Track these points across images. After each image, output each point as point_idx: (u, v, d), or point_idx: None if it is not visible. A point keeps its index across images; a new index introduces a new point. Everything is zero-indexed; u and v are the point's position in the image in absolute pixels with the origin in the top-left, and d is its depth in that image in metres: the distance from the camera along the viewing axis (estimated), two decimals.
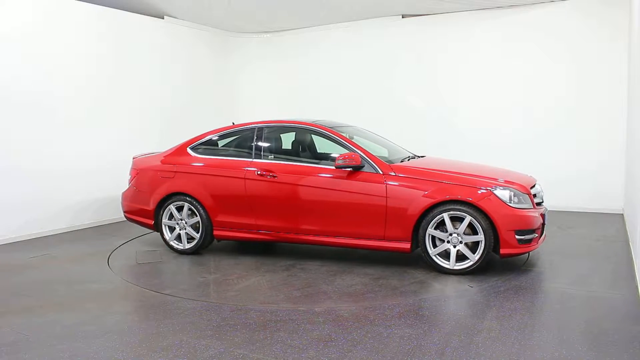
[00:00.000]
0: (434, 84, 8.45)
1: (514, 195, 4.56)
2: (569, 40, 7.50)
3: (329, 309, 3.84)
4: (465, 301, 4.03)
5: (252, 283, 4.60)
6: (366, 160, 4.91)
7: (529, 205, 4.64)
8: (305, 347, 3.17)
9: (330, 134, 5.23)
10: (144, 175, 5.86)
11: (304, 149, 5.60)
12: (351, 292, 4.25)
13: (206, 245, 5.62)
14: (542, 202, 5.00)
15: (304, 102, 9.51)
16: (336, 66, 9.23)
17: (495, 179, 4.70)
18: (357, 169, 4.89)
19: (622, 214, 7.15)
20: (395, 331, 3.40)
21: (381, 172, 4.82)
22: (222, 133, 5.73)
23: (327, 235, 5.04)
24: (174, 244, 5.67)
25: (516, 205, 4.53)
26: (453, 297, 4.15)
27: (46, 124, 6.68)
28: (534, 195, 4.80)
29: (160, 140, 8.14)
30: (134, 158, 6.18)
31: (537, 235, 4.62)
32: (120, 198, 6.13)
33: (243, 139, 5.61)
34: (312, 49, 9.49)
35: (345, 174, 4.92)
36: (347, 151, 5.01)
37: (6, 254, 5.74)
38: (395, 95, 8.73)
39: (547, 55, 7.64)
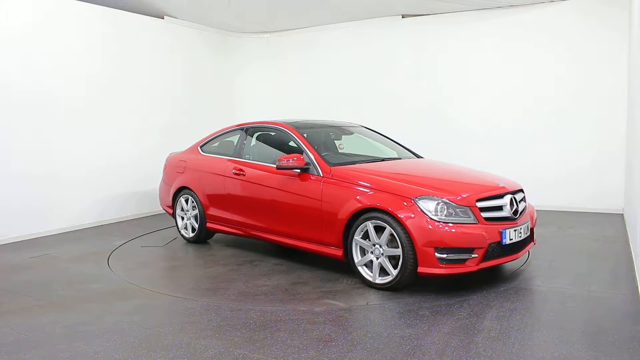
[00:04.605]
0: (434, 84, 8.45)
1: (444, 207, 4.03)
2: (569, 40, 7.49)
3: (329, 309, 3.84)
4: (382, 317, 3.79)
5: (191, 273, 5.02)
6: (312, 162, 4.81)
7: (468, 219, 4.05)
8: (305, 347, 3.17)
9: (292, 133, 5.25)
10: (169, 170, 6.52)
11: (274, 148, 5.65)
12: (252, 292, 4.29)
13: (204, 236, 6.06)
14: (515, 217, 4.32)
15: (304, 102, 9.51)
16: (336, 66, 9.23)
17: (429, 187, 4.24)
18: (304, 170, 4.83)
19: (622, 214, 7.15)
20: (395, 331, 3.40)
21: (321, 175, 4.70)
22: (222, 132, 6.18)
23: (279, 235, 5.09)
24: (183, 232, 6.24)
25: (442, 219, 3.99)
26: (335, 313, 3.80)
27: (46, 124, 6.68)
28: (496, 208, 4.23)
29: (160, 140, 8.15)
30: (170, 154, 6.77)
31: (475, 255, 4.00)
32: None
33: (233, 139, 6.00)
34: (312, 49, 9.49)
35: (296, 175, 4.89)
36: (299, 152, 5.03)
37: (6, 254, 5.74)
38: (395, 95, 8.73)
39: (547, 55, 7.64)
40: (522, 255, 4.53)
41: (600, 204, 7.42)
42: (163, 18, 8.41)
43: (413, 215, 4.02)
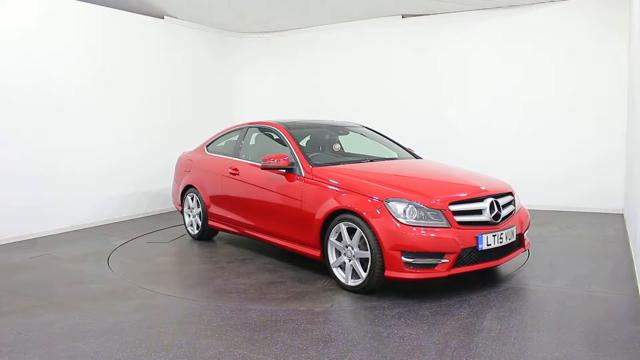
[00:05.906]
0: (434, 84, 8.45)
1: (413, 210, 3.91)
2: (569, 40, 7.49)
3: (328, 309, 3.84)
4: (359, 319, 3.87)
5: (181, 270, 5.20)
6: (296, 162, 4.83)
7: (440, 223, 3.91)
8: (305, 347, 3.17)
9: (282, 133, 5.29)
10: (178, 169, 6.69)
11: (267, 148, 5.66)
12: (226, 290, 4.37)
13: (207, 233, 6.18)
14: (496, 222, 4.12)
15: (304, 102, 9.52)
16: (336, 66, 9.23)
17: (401, 189, 4.12)
18: (289, 170, 4.85)
19: (622, 214, 7.15)
20: (395, 331, 3.40)
21: (303, 175, 4.70)
22: (226, 132, 6.30)
23: (266, 234, 5.15)
24: (189, 229, 6.40)
25: (411, 222, 3.87)
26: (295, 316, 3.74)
27: (46, 124, 6.68)
28: (474, 212, 4.07)
29: (160, 140, 8.15)
30: (182, 153, 6.90)
31: (446, 260, 3.86)
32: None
33: (233, 139, 6.08)
34: (312, 49, 9.49)
35: (283, 175, 4.91)
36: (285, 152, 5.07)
37: (6, 254, 5.74)
38: (395, 95, 8.73)
39: (547, 55, 7.64)
40: (504, 262, 4.28)
41: (600, 204, 7.42)
42: (163, 18, 8.41)
43: (381, 218, 3.94)
